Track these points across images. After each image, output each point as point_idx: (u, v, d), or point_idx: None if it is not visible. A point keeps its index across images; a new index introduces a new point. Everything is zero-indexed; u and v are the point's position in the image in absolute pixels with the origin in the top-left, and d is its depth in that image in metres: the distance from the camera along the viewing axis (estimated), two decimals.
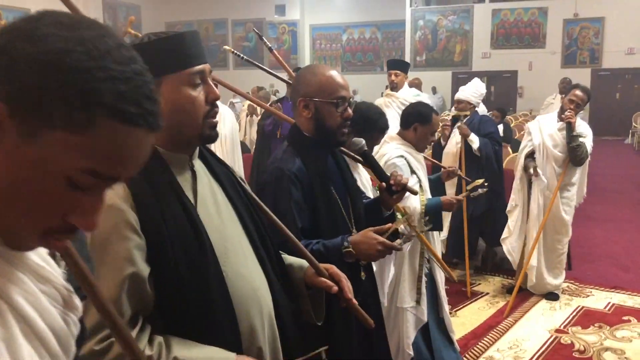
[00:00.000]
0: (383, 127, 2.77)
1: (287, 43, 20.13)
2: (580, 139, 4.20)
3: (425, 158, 3.44)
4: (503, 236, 4.56)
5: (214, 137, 1.32)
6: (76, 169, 0.65)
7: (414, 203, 2.93)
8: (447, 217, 4.92)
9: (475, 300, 4.55)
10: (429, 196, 3.10)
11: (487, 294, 4.68)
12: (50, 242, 0.70)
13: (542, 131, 4.37)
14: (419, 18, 18.00)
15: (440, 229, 3.17)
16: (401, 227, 1.95)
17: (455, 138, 4.87)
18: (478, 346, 3.71)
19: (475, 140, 4.69)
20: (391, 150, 3.08)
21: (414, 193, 2.14)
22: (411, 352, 3.02)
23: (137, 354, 0.85)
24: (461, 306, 4.41)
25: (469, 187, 3.23)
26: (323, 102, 1.90)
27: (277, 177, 1.89)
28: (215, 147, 5.68)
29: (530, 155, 4.40)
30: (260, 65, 2.97)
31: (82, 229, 0.70)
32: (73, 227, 0.69)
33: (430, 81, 17.00)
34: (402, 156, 3.04)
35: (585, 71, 16.53)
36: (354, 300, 1.50)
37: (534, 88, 15.89)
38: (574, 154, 4.20)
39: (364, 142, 2.09)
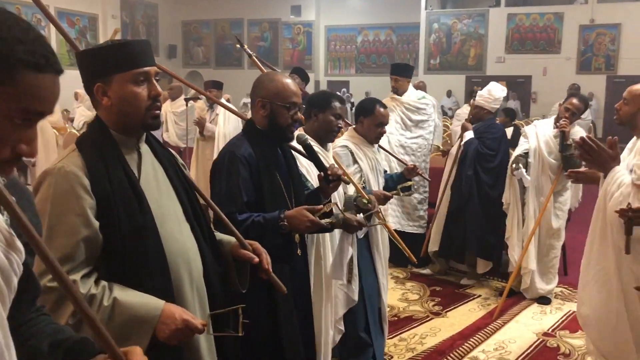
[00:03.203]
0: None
1: (302, 44, 20.25)
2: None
3: (388, 152, 3.83)
4: (506, 235, 4.60)
5: (155, 125, 1.62)
6: (12, 109, 0.88)
7: (348, 190, 3.12)
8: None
9: (467, 302, 4.59)
10: (371, 186, 3.28)
11: (480, 296, 4.71)
12: (5, 169, 0.93)
13: (539, 136, 4.39)
14: (434, 21, 17.99)
15: (409, 189, 3.43)
16: (335, 209, 2.29)
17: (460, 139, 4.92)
18: (464, 346, 3.75)
19: (466, 137, 4.76)
20: (339, 142, 3.34)
21: (347, 183, 2.44)
22: (342, 327, 3.17)
23: (74, 293, 0.99)
24: (452, 307, 4.45)
25: (400, 186, 3.35)
26: (278, 105, 2.25)
27: (229, 159, 2.22)
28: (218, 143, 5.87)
29: (524, 156, 4.43)
30: (268, 64, 3.17)
31: (27, 155, 0.92)
32: (19, 156, 0.92)
33: (443, 84, 16.99)
34: (345, 146, 3.28)
35: (601, 78, 16.41)
36: (271, 270, 1.78)
37: (548, 94, 15.77)
38: (567, 163, 4.17)
39: (307, 136, 2.42)
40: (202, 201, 1.81)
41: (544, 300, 4.53)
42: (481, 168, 4.71)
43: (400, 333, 3.97)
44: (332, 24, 20.19)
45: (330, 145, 2.95)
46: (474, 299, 4.65)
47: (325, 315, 2.86)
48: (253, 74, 5.79)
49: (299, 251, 2.33)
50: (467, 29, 17.66)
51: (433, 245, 5.06)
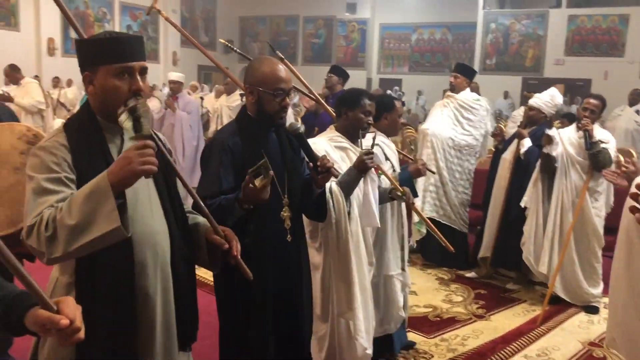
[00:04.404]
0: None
1: (355, 41, 20.26)
2: (602, 145, 4.22)
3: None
4: (522, 241, 4.57)
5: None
6: None
7: (389, 185, 3.24)
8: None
9: (512, 306, 4.56)
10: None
11: (525, 301, 4.68)
12: None
13: (563, 140, 4.42)
14: (491, 21, 17.68)
15: (416, 195, 3.59)
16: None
17: (514, 145, 4.86)
18: (505, 350, 3.75)
19: (525, 145, 4.67)
20: (368, 140, 3.34)
21: (335, 176, 2.38)
22: (403, 315, 3.32)
23: (8, 257, 1.04)
24: (496, 311, 4.44)
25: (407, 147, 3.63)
26: (264, 92, 2.25)
27: (213, 145, 2.30)
28: None
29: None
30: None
31: None
32: None
33: (499, 85, 16.65)
34: (377, 144, 3.30)
35: None
36: (239, 258, 1.82)
37: (609, 98, 15.13)
38: (595, 160, 4.25)
39: (299, 124, 2.34)
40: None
41: (591, 309, 4.47)
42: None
43: (442, 334, 4.00)
44: (387, 22, 20.11)
45: (361, 141, 3.00)
46: (519, 303, 4.62)
47: (365, 305, 2.86)
48: (306, 70, 5.96)
49: (289, 237, 2.33)
50: (526, 30, 17.27)
51: (484, 252, 5.04)
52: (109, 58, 1.64)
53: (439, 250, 5.40)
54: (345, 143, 2.93)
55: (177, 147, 6.94)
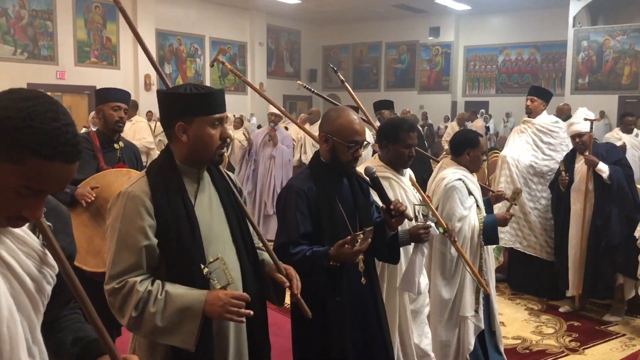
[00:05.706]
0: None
1: (439, 65, 20.07)
2: None
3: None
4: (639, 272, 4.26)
5: (220, 162, 1.91)
6: (17, 185, 1.03)
7: (472, 221, 3.24)
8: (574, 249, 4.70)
9: (609, 340, 4.28)
10: (484, 214, 3.37)
11: (624, 335, 4.37)
12: (13, 224, 1.10)
13: None
14: (582, 38, 16.95)
15: (497, 242, 3.50)
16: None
17: (580, 174, 4.62)
18: None
19: (604, 169, 4.44)
20: (450, 174, 3.32)
21: (410, 219, 2.39)
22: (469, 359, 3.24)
23: (87, 305, 1.19)
24: (591, 344, 4.18)
25: (510, 196, 3.53)
26: (338, 142, 2.29)
27: (289, 192, 2.33)
28: None
29: None
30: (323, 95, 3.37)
31: (30, 218, 1.08)
32: (25, 218, 1.08)
33: (593, 105, 15.85)
34: (460, 179, 3.29)
35: None
36: (299, 296, 1.93)
37: None
38: None
39: (374, 169, 2.42)
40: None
41: None
42: (631, 191, 4.47)
43: None
44: (471, 44, 19.79)
45: (406, 170, 2.97)
46: (617, 337, 4.33)
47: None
48: (389, 95, 6.01)
49: (363, 280, 2.37)
50: (622, 46, 16.39)
51: (573, 290, 4.73)
52: (207, 110, 1.79)
53: (527, 279, 5.21)
54: (389, 173, 2.88)
55: (277, 177, 7.20)
